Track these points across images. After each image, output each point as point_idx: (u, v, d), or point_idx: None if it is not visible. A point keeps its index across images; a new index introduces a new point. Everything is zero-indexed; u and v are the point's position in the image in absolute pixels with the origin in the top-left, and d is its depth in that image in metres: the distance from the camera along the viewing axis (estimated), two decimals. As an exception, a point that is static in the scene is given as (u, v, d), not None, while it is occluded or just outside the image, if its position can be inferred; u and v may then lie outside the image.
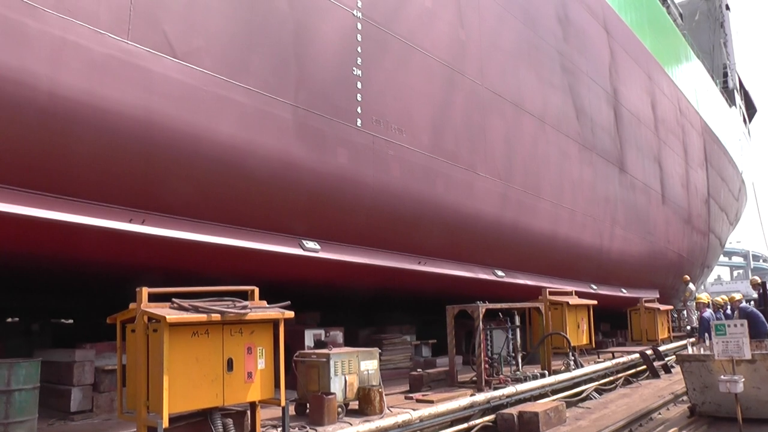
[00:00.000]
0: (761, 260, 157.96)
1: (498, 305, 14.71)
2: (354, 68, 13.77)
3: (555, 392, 14.47)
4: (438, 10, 16.69)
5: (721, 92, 49.61)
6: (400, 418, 10.41)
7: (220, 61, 11.20)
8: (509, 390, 13.14)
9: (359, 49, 13.93)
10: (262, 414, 9.62)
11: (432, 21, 16.43)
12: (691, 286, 31.65)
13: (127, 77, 9.82)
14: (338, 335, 14.86)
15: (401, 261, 15.31)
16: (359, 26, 14.01)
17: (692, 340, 19.66)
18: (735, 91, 54.64)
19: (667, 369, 19.27)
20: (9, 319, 17.15)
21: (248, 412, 9.37)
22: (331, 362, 10.64)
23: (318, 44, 13.17)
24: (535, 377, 14.56)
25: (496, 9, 19.34)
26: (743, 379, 10.69)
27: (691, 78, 40.56)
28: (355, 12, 13.94)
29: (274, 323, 9.39)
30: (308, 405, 10.45)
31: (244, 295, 9.50)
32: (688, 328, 29.59)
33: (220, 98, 11.10)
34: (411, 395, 12.64)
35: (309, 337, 14.07)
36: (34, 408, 9.41)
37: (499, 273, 18.72)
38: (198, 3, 10.99)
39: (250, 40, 11.84)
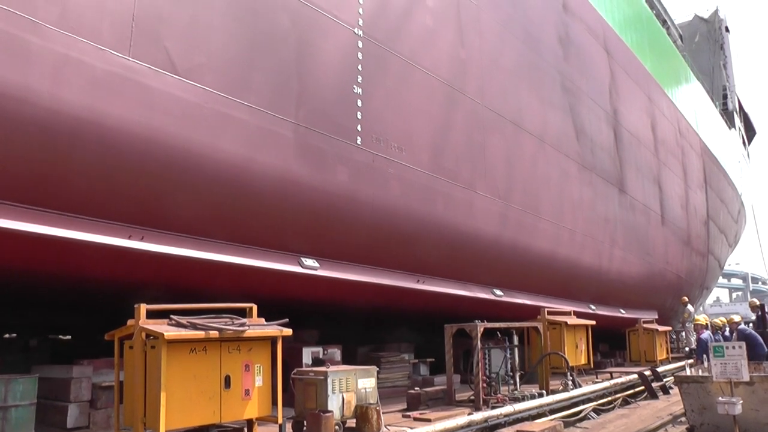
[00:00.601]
0: (760, 282, 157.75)
1: (496, 324, 14.68)
2: (354, 86, 13.82)
3: (553, 412, 14.39)
4: (439, 29, 16.78)
5: (721, 114, 49.76)
6: (398, 437, 10.40)
7: (221, 78, 11.25)
8: (507, 409, 13.08)
9: (360, 67, 13.99)
10: (260, 431, 9.60)
11: (433, 40, 16.52)
12: (689, 307, 31.62)
13: (129, 94, 9.86)
14: (336, 353, 14.82)
15: (400, 279, 15.31)
16: (360, 44, 14.08)
17: (690, 361, 19.61)
18: (734, 113, 54.80)
19: (665, 390, 19.18)
20: (7, 335, 17.12)
21: (245, 430, 9.35)
22: (329, 380, 10.60)
23: (319, 62, 13.23)
24: (533, 396, 14.51)
25: (497, 28, 19.44)
26: (741, 401, 10.66)
27: (691, 99, 40.70)
28: (356, 30, 14.01)
29: (272, 341, 9.40)
30: (305, 423, 10.40)
31: (243, 312, 9.51)
32: (687, 349, 29.52)
33: (221, 115, 11.14)
34: (408, 413, 12.60)
35: (307, 354, 14.03)
36: (30, 424, 9.41)
37: (498, 292, 18.72)
38: (200, 19, 11.05)
39: (252, 57, 11.89)
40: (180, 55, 10.61)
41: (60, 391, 10.85)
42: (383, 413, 11.11)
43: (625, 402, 17.41)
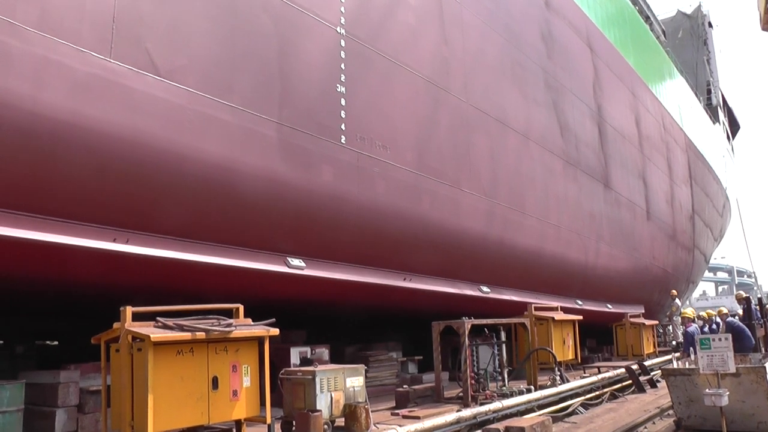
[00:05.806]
0: (746, 276, 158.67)
1: (484, 321, 14.72)
2: (338, 85, 13.80)
3: (541, 407, 14.47)
4: (422, 27, 16.78)
5: (705, 109, 49.95)
6: (387, 435, 10.38)
7: (204, 79, 11.20)
8: (495, 405, 13.12)
9: (343, 66, 13.97)
10: (248, 432, 9.59)
11: (416, 38, 16.52)
12: (677, 301, 31.81)
13: (111, 96, 9.79)
14: (324, 352, 14.81)
15: (387, 278, 15.29)
16: (343, 43, 14.06)
17: (677, 354, 19.73)
18: (718, 107, 55.02)
19: (652, 383, 19.26)
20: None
21: (234, 431, 9.34)
22: (317, 379, 10.58)
23: (302, 61, 13.19)
24: (521, 392, 14.57)
25: (480, 26, 19.45)
26: (728, 393, 10.71)
27: (675, 95, 40.87)
28: (338, 29, 13.99)
29: (260, 341, 9.39)
30: (294, 423, 10.38)
31: (229, 313, 9.50)
32: (674, 342, 29.68)
33: (204, 117, 11.09)
34: (397, 411, 12.58)
35: (295, 354, 14.01)
36: (18, 431, 9.34)
37: (485, 289, 18.75)
38: (181, 21, 11.00)
39: (234, 57, 11.84)
40: (162, 57, 10.56)
41: (47, 396, 10.79)
42: (372, 412, 11.10)
43: (613, 396, 17.50)
